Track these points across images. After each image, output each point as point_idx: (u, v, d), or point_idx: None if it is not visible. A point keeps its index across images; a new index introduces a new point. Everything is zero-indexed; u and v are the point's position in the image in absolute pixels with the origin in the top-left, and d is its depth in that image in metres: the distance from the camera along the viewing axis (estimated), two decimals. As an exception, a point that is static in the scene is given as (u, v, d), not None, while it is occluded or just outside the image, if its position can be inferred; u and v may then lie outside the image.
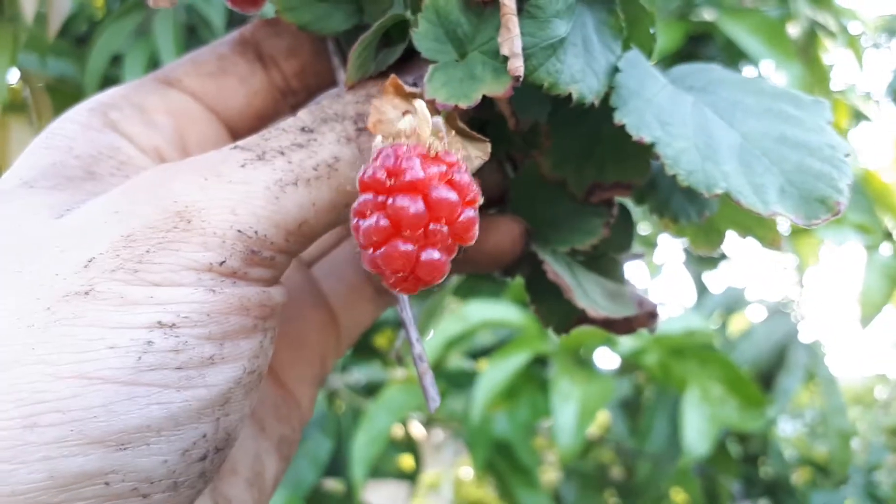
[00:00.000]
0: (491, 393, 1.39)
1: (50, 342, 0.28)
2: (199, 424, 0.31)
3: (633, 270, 2.05)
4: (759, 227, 0.47)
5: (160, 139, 0.40)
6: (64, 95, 1.42)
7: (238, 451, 0.39)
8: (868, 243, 1.48)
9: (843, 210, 0.35)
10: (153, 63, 1.32)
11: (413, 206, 0.31)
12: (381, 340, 1.86)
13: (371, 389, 1.71)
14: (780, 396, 1.59)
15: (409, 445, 1.80)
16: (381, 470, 1.74)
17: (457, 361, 1.73)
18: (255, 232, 0.32)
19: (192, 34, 1.40)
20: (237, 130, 0.44)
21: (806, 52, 1.66)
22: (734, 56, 1.60)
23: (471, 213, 0.32)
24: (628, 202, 0.46)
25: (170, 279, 0.30)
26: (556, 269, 0.41)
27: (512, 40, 0.34)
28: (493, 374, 1.41)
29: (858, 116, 1.78)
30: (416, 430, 1.88)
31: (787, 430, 2.29)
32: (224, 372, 0.31)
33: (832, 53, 1.68)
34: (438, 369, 1.66)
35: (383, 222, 0.31)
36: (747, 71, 1.67)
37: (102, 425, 0.28)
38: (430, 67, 0.35)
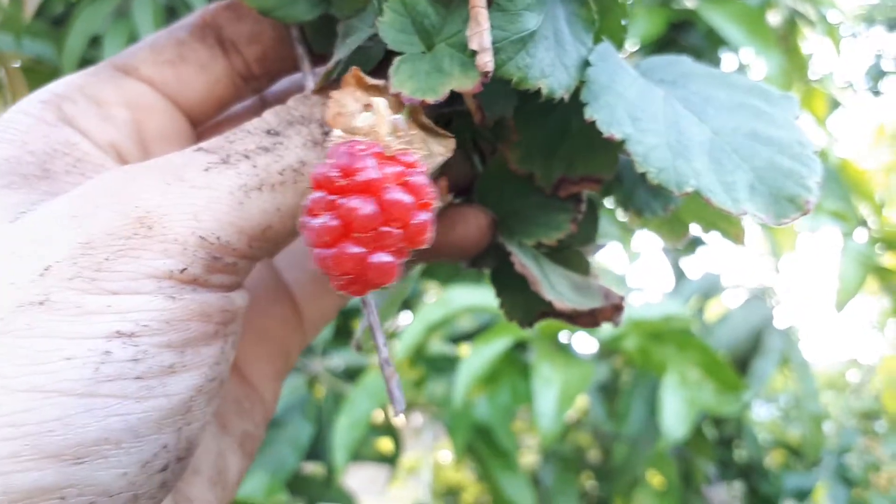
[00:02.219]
0: (472, 378, 1.39)
1: (2, 354, 0.27)
2: (160, 435, 0.30)
3: (612, 256, 2.05)
4: (722, 221, 0.46)
5: (117, 133, 0.39)
6: (40, 76, 1.39)
7: (200, 451, 0.38)
8: (844, 230, 1.48)
9: (811, 209, 0.34)
10: (132, 44, 1.29)
11: (365, 207, 0.29)
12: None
13: (351, 374, 1.70)
14: (755, 381, 1.60)
15: (389, 429, 1.80)
16: (361, 454, 1.74)
17: (438, 346, 1.72)
18: (218, 238, 0.31)
19: (172, 15, 1.37)
20: (198, 119, 0.42)
21: (786, 41, 1.65)
22: (716, 43, 1.59)
23: (425, 216, 0.31)
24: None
25: (129, 287, 0.29)
26: (524, 261, 0.40)
27: (482, 34, 0.33)
28: (475, 360, 1.41)
29: (836, 104, 1.78)
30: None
31: (762, 414, 2.31)
32: (185, 380, 0.30)
33: (811, 42, 1.68)
34: (419, 354, 1.66)
35: (333, 222, 0.30)
36: (728, 58, 1.67)
37: (58, 439, 0.27)
38: (396, 59, 0.34)
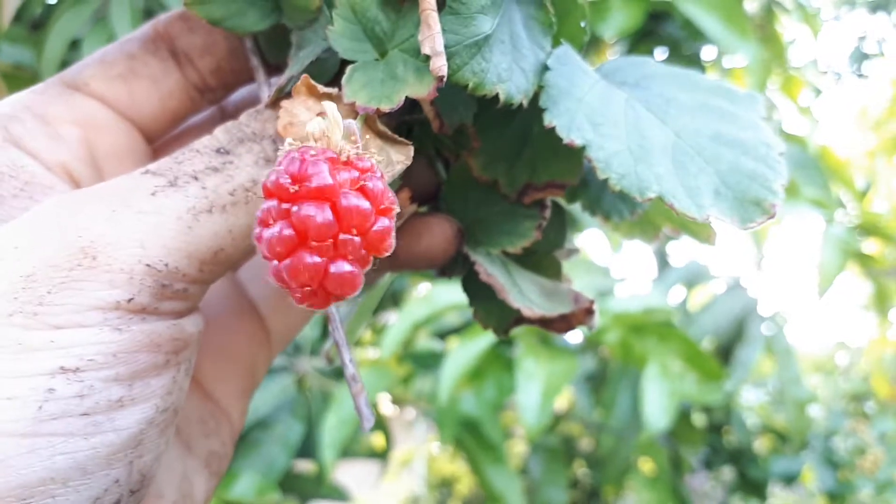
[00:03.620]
0: (458, 373, 1.38)
1: None
2: (111, 470, 0.29)
3: (596, 245, 2.05)
4: (692, 223, 0.45)
5: (67, 154, 0.37)
6: (20, 82, 1.37)
7: (163, 474, 0.37)
8: (825, 217, 1.48)
9: (777, 212, 0.33)
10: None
11: (320, 214, 0.28)
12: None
13: (340, 373, 1.69)
14: (739, 368, 1.60)
15: (380, 425, 1.79)
16: (351, 450, 1.73)
17: (425, 342, 1.71)
18: (166, 265, 0.30)
19: (150, 18, 1.35)
20: (152, 135, 0.41)
21: (763, 29, 1.64)
22: (694, 34, 1.58)
23: (385, 221, 0.29)
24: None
25: (73, 321, 0.28)
26: (490, 269, 0.39)
27: (433, 38, 0.31)
28: (460, 355, 1.40)
29: (816, 91, 1.78)
30: (387, 408, 1.87)
31: (751, 399, 2.31)
32: (134, 414, 0.29)
33: (790, 28, 1.67)
34: (406, 351, 1.65)
35: (288, 232, 0.28)
36: (708, 48, 1.66)
37: None
38: (349, 68, 0.33)
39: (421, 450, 2.52)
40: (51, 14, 1.36)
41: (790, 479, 1.95)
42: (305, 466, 1.71)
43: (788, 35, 1.70)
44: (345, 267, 0.29)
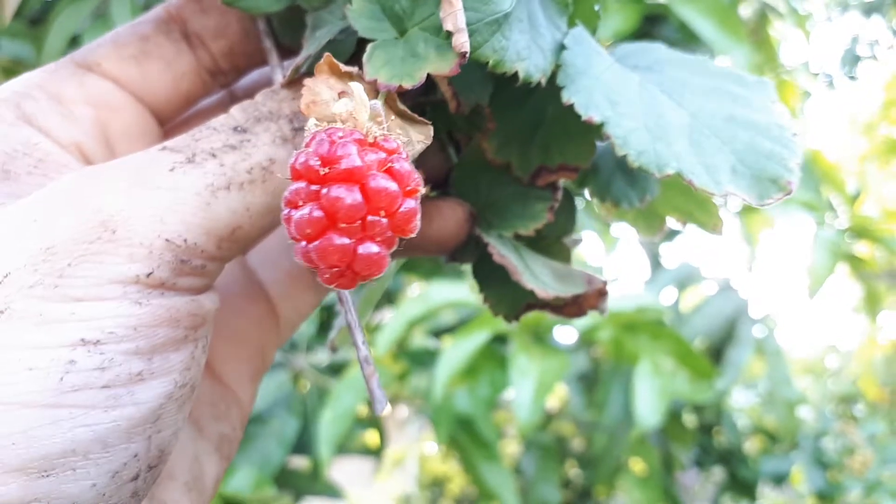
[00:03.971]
0: (452, 371, 1.38)
1: None
2: (130, 444, 0.29)
3: (590, 247, 2.05)
4: (700, 212, 0.45)
5: (80, 133, 0.36)
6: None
7: (175, 455, 0.37)
8: (815, 220, 1.49)
9: (794, 189, 0.33)
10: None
11: (350, 196, 0.28)
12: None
13: (336, 369, 1.69)
14: (730, 369, 1.60)
15: (374, 423, 1.79)
16: (346, 447, 1.73)
17: (420, 340, 1.71)
18: (185, 240, 0.30)
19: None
20: (164, 116, 0.40)
21: (757, 33, 1.65)
22: (689, 37, 1.58)
23: (412, 203, 0.29)
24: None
25: (93, 293, 0.28)
26: (503, 251, 0.39)
27: (455, 14, 0.31)
28: (454, 353, 1.40)
29: (808, 95, 1.79)
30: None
31: (741, 400, 2.31)
32: (154, 388, 0.29)
33: (782, 33, 1.68)
34: (402, 348, 1.65)
35: (317, 213, 0.28)
36: (701, 53, 1.66)
37: (22, 452, 0.26)
38: (370, 46, 0.32)
39: (413, 449, 2.52)
40: (50, 9, 1.36)
41: (780, 480, 1.95)
42: (300, 463, 1.70)
43: (781, 39, 1.71)
44: (373, 248, 0.29)
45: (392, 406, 1.92)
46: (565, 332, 1.63)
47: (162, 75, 0.39)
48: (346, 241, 0.28)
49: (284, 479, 1.62)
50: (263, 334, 0.43)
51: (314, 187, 0.28)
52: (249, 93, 0.43)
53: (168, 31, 0.39)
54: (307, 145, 0.29)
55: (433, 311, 1.47)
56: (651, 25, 1.61)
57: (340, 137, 0.28)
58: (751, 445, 2.14)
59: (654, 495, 1.72)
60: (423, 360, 1.64)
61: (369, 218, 0.28)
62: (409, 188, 0.29)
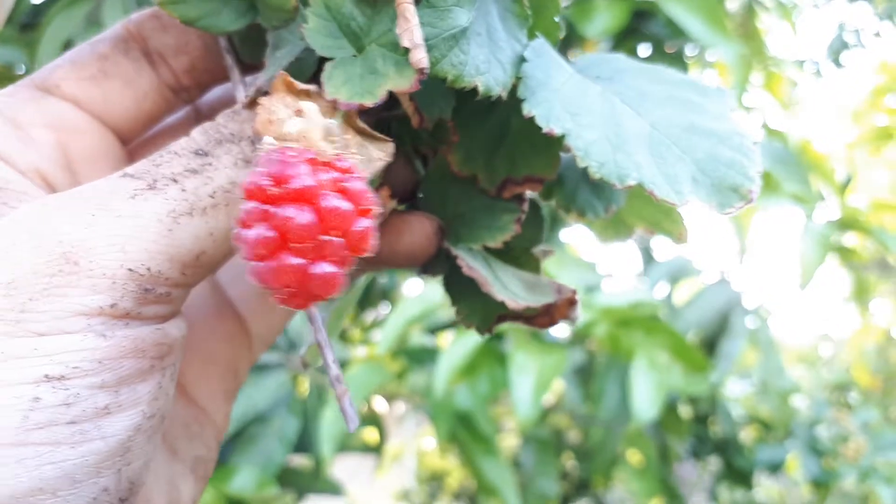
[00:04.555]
0: (452, 369, 1.39)
1: None
2: (99, 479, 0.28)
3: (582, 241, 2.05)
4: (666, 221, 0.44)
5: (40, 157, 0.36)
6: (11, 83, 1.37)
7: (151, 481, 0.36)
8: (805, 211, 1.48)
9: (755, 197, 0.33)
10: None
11: (301, 216, 0.27)
12: (342, 319, 1.82)
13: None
14: (723, 360, 1.60)
15: (374, 420, 1.79)
16: (347, 444, 1.73)
17: (418, 338, 1.71)
18: (148, 269, 0.29)
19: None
20: (127, 136, 0.40)
21: (744, 27, 1.64)
22: (676, 32, 1.58)
23: (366, 222, 0.29)
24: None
25: (56, 327, 0.27)
26: (472, 263, 0.38)
27: (411, 30, 0.31)
28: (454, 351, 1.40)
29: (796, 86, 1.78)
30: (379, 404, 1.87)
31: (736, 390, 2.31)
32: (122, 420, 0.29)
33: (769, 24, 1.67)
34: (400, 347, 1.65)
35: (269, 233, 0.27)
36: (691, 46, 1.66)
37: None
38: (328, 65, 0.32)
39: (411, 445, 2.52)
40: (41, 14, 1.35)
41: (775, 468, 1.95)
42: (302, 462, 1.70)
43: (768, 31, 1.70)
44: (326, 268, 0.28)
45: (390, 402, 1.92)
46: (561, 328, 1.62)
47: (122, 95, 0.38)
48: (298, 261, 0.28)
49: (286, 477, 1.62)
50: (235, 352, 0.43)
51: (265, 207, 0.28)
52: (214, 108, 0.43)
53: (127, 49, 0.39)
54: (259, 165, 0.28)
55: (431, 310, 1.47)
56: (639, 21, 1.61)
57: (292, 157, 0.28)
58: (746, 435, 2.14)
59: (652, 486, 1.72)
60: (422, 357, 1.64)
61: (322, 238, 0.28)
62: (363, 207, 0.29)
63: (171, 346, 0.31)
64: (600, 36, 1.48)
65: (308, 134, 0.29)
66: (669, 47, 1.62)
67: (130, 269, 0.29)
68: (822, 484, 1.98)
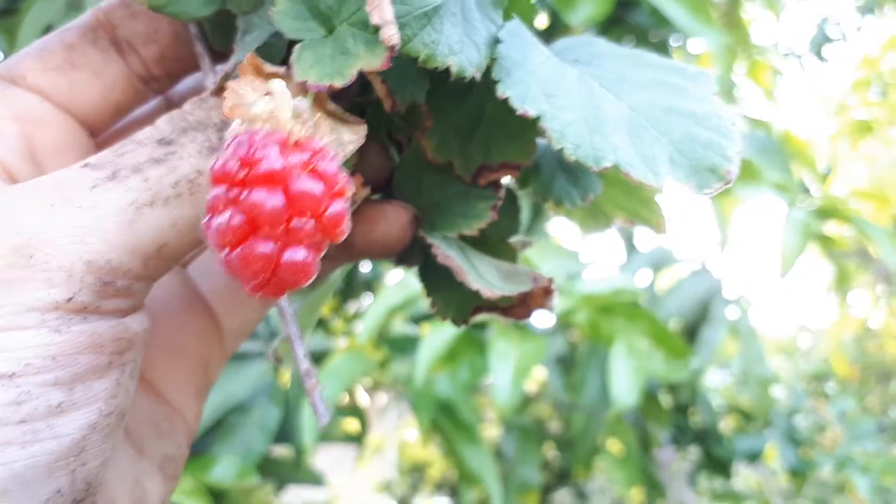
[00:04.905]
0: (433, 356, 1.39)
1: None
2: (52, 480, 0.27)
3: (565, 230, 2.05)
4: (644, 210, 0.44)
5: (4, 149, 0.34)
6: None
7: (114, 480, 0.35)
8: (787, 200, 1.49)
9: (733, 178, 0.32)
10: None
11: (271, 199, 0.26)
12: (324, 308, 1.82)
13: (317, 358, 1.68)
14: (704, 349, 1.61)
15: (355, 410, 1.78)
16: (328, 434, 1.72)
17: (400, 327, 1.71)
18: (108, 261, 0.28)
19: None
20: (95, 128, 0.38)
21: (729, 16, 1.64)
22: (660, 21, 1.57)
23: (339, 205, 0.28)
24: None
25: (9, 323, 0.26)
26: (447, 252, 0.38)
27: (381, 7, 0.30)
28: (435, 339, 1.40)
29: (779, 75, 1.78)
30: (361, 395, 1.87)
31: (716, 380, 2.33)
32: (76, 419, 0.28)
33: (754, 14, 1.67)
34: (382, 336, 1.65)
35: (237, 219, 0.26)
36: (676, 36, 1.66)
37: None
38: (297, 47, 0.31)
39: (393, 436, 2.52)
40: (21, 0, 1.33)
41: (754, 457, 1.96)
42: (283, 451, 1.70)
43: (753, 20, 1.70)
44: (299, 254, 0.27)
45: (371, 393, 1.92)
46: (543, 316, 1.63)
47: (90, 85, 0.37)
48: (269, 247, 0.26)
49: (267, 467, 1.61)
50: (206, 348, 0.42)
51: (233, 191, 0.26)
52: (186, 98, 0.41)
53: (95, 38, 0.37)
54: (226, 148, 0.27)
55: (413, 299, 1.46)
56: (623, 11, 1.60)
57: (260, 139, 0.27)
58: (725, 424, 2.15)
59: (632, 475, 1.73)
60: (404, 346, 1.64)
61: (293, 222, 0.27)
62: (335, 189, 0.28)
63: (131, 341, 0.30)
64: (584, 24, 1.48)
65: (277, 114, 0.28)
66: (654, 37, 1.62)
67: (89, 262, 0.28)
68: (799, 473, 2.00)
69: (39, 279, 0.27)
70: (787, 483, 2.20)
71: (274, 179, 0.26)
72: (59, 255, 0.27)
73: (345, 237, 0.28)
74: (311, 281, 0.28)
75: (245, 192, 0.26)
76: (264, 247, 0.26)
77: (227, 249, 0.27)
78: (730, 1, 1.64)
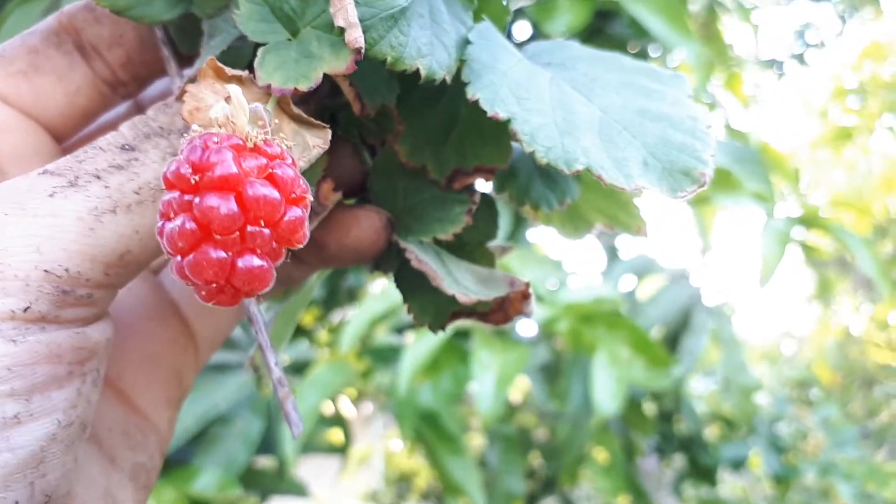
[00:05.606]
0: (416, 366, 1.38)
1: None
2: (8, 493, 0.27)
3: (548, 239, 2.05)
4: (623, 214, 0.43)
5: None
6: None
7: (83, 490, 0.34)
8: (767, 210, 1.49)
9: (708, 181, 0.31)
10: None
11: (224, 205, 0.25)
12: (307, 318, 1.81)
13: (299, 368, 1.66)
14: (686, 356, 1.61)
15: (339, 421, 1.77)
16: (311, 445, 1.71)
17: (383, 337, 1.70)
18: (66, 270, 0.27)
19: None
20: (61, 134, 0.38)
21: (706, 28, 1.65)
22: (640, 32, 1.58)
23: (297, 212, 0.27)
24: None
25: None
26: (422, 257, 0.37)
27: (346, 9, 0.29)
28: (418, 348, 1.40)
29: (757, 86, 1.80)
30: (345, 405, 1.85)
31: (700, 387, 2.33)
32: (34, 430, 0.27)
33: (731, 26, 1.68)
34: (365, 346, 1.64)
35: (190, 225, 0.25)
36: (655, 47, 1.66)
37: None
38: (260, 50, 0.30)
39: (379, 446, 2.50)
40: (1, 8, 1.32)
41: (738, 465, 1.96)
42: (266, 463, 1.68)
43: (730, 31, 1.72)
44: (254, 261, 0.26)
45: (357, 403, 1.90)
46: (527, 325, 1.63)
47: (54, 90, 0.37)
48: (222, 254, 0.26)
49: (250, 478, 1.60)
50: (179, 357, 0.41)
51: (187, 197, 0.26)
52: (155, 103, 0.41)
53: (59, 42, 0.37)
54: (181, 152, 0.26)
55: (396, 308, 1.46)
56: (602, 21, 1.60)
57: (216, 143, 0.26)
58: (710, 432, 2.15)
59: (617, 483, 1.73)
60: (387, 356, 1.63)
61: (248, 229, 0.26)
62: (294, 195, 0.27)
63: (92, 350, 0.29)
64: (563, 34, 1.48)
65: (235, 118, 0.27)
66: (633, 47, 1.62)
67: (46, 271, 0.27)
68: (783, 479, 2.00)
69: None
70: (771, 489, 2.20)
71: (228, 185, 0.26)
72: (13, 264, 0.27)
73: (305, 244, 0.28)
74: (268, 288, 0.27)
75: (198, 198, 0.25)
76: (217, 254, 0.26)
77: (179, 256, 0.26)
78: (707, 12, 1.65)
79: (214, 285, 0.26)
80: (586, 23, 1.45)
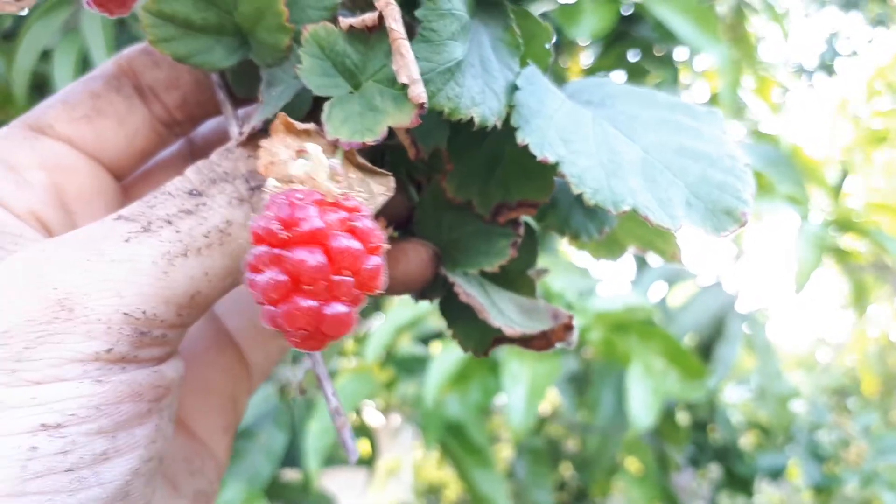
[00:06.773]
0: (443, 376, 1.39)
1: None
2: None
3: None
4: (659, 240, 0.46)
5: (35, 199, 0.36)
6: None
7: None
8: (800, 213, 1.50)
9: (748, 220, 0.34)
10: (83, 58, 1.27)
11: (312, 258, 0.28)
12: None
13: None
14: (720, 365, 1.61)
15: (364, 432, 1.79)
16: (336, 458, 1.73)
17: (408, 347, 1.72)
18: (144, 312, 0.30)
19: (122, 27, 1.35)
20: (121, 173, 0.40)
21: (734, 30, 1.66)
22: (665, 35, 1.59)
23: (376, 260, 0.30)
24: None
25: (52, 375, 0.28)
26: (468, 289, 0.40)
27: (408, 66, 0.32)
28: (445, 359, 1.41)
29: (787, 90, 1.80)
30: (373, 416, 1.87)
31: (735, 396, 2.33)
32: (120, 465, 0.29)
33: (760, 29, 1.69)
34: (389, 356, 1.66)
35: (281, 277, 0.28)
36: (680, 50, 1.68)
37: None
38: (326, 104, 0.33)
39: (408, 457, 2.52)
40: (21, 24, 1.36)
41: (776, 474, 1.97)
42: (293, 475, 1.71)
43: (759, 35, 1.72)
44: (339, 308, 0.29)
45: (385, 414, 1.93)
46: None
47: (115, 132, 0.39)
48: (311, 303, 0.29)
49: (275, 491, 1.63)
50: (234, 384, 0.44)
51: (276, 251, 0.29)
52: (208, 140, 0.44)
53: (119, 86, 0.40)
54: (267, 208, 0.29)
55: (421, 317, 1.47)
56: (628, 25, 1.62)
57: (300, 199, 0.29)
58: (746, 441, 2.15)
59: (652, 494, 1.74)
60: (411, 366, 1.64)
61: (334, 278, 0.29)
62: (372, 245, 0.30)
63: (168, 388, 0.32)
64: (588, 39, 1.50)
65: (314, 175, 0.30)
66: (658, 51, 1.64)
67: (126, 314, 0.29)
68: (823, 489, 1.99)
69: (80, 332, 0.29)
70: (811, 500, 2.19)
71: (315, 239, 0.29)
72: (97, 308, 0.29)
73: (382, 290, 0.30)
74: (352, 332, 0.30)
75: (288, 252, 0.28)
76: (307, 303, 0.29)
77: (271, 306, 0.29)
78: (735, 15, 1.66)
79: (305, 332, 0.29)
80: (611, 26, 1.46)
